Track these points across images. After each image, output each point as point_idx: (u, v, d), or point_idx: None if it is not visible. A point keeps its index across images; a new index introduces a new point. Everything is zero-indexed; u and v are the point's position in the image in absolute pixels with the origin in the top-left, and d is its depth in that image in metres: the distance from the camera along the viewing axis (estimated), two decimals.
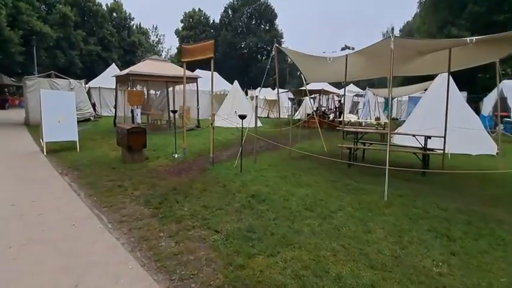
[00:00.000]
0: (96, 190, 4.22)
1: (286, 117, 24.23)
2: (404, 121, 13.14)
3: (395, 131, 11.15)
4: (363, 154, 7.25)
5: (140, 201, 3.76)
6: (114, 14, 41.97)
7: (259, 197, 3.93)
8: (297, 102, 28.82)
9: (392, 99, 22.13)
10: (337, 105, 19.53)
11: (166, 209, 3.51)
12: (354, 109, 20.31)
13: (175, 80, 10.71)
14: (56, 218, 3.29)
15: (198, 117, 11.38)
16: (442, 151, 5.98)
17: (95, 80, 18.24)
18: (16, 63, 23.50)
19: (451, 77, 9.63)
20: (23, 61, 23.84)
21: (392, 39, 4.73)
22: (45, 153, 6.53)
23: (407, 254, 2.72)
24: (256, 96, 6.90)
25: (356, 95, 16.92)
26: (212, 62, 5.29)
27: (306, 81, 8.30)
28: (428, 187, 4.84)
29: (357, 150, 6.71)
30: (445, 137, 5.90)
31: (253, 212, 3.46)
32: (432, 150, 6.02)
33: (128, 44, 42.19)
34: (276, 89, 6.53)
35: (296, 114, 23.18)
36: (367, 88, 14.99)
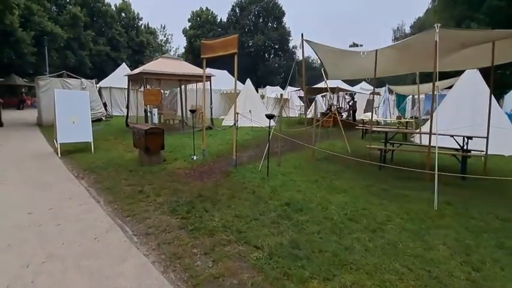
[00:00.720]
0: (115, 196, 3.91)
1: (297, 115, 23.82)
2: (424, 120, 12.57)
3: (418, 130, 10.61)
4: (392, 155, 6.79)
5: (165, 210, 3.43)
6: (123, 14, 42.09)
7: (294, 205, 3.55)
8: (307, 101, 28.27)
9: (406, 96, 21.44)
10: (350, 104, 19.00)
11: (196, 219, 3.16)
12: (369, 107, 19.71)
13: (188, 79, 10.42)
14: (76, 229, 2.98)
15: (211, 116, 11.05)
16: (483, 153, 5.48)
17: (105, 79, 18.14)
18: (28, 63, 23.68)
19: (479, 73, 9.11)
20: (34, 61, 24.02)
21: (437, 30, 4.29)
22: (59, 155, 6.29)
23: (485, 278, 2.30)
24: (281, 94, 6.49)
25: (372, 93, 16.27)
26: (236, 58, 4.93)
27: (327, 78, 7.85)
28: (474, 193, 4.39)
29: (387, 152, 6.26)
30: (487, 138, 5.41)
31: (292, 224, 3.08)
32: (469, 151, 5.53)
33: (136, 43, 42.29)
34: (303, 86, 6.10)
35: (308, 113, 22.74)
36: (386, 85, 14.40)
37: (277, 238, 2.77)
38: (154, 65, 9.79)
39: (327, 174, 5.18)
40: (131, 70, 17.24)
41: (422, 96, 19.47)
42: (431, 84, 11.79)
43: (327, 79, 7.91)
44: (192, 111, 6.30)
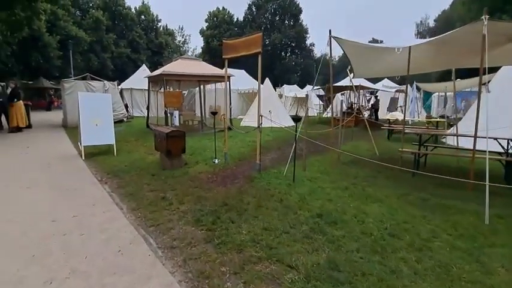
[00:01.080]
0: (138, 203, 3.81)
1: (316, 115, 23.25)
2: (456, 119, 11.71)
3: (449, 131, 9.90)
4: (425, 160, 6.29)
5: (189, 219, 3.27)
6: (143, 17, 43.12)
7: (327, 216, 3.27)
8: (327, 100, 27.54)
9: (431, 94, 20.28)
10: (372, 102, 18.23)
11: (222, 231, 2.96)
12: (392, 106, 18.82)
13: (208, 79, 10.32)
14: (100, 240, 2.88)
15: (230, 117, 10.90)
16: None
17: (126, 81, 18.54)
18: (54, 66, 24.74)
19: None
20: (60, 65, 25.06)
21: (486, 22, 3.83)
22: (83, 158, 6.36)
23: None
24: (307, 94, 6.20)
25: (398, 91, 15.47)
26: (260, 58, 4.69)
27: (353, 76, 7.45)
28: None
29: (421, 156, 5.79)
30: None
31: (327, 239, 2.81)
32: None
33: (155, 45, 43.21)
34: (330, 84, 5.76)
35: (327, 112, 22.12)
36: (414, 82, 13.62)
37: (313, 256, 2.51)
38: (174, 66, 9.77)
39: (357, 180, 4.84)
40: (151, 71, 17.53)
41: (450, 93, 18.32)
42: (468, 80, 10.92)
43: (353, 77, 7.51)
44: (214, 113, 6.13)
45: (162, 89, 9.90)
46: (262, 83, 14.48)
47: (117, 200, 3.98)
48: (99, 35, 32.61)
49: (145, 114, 17.70)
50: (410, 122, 12.18)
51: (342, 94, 21.43)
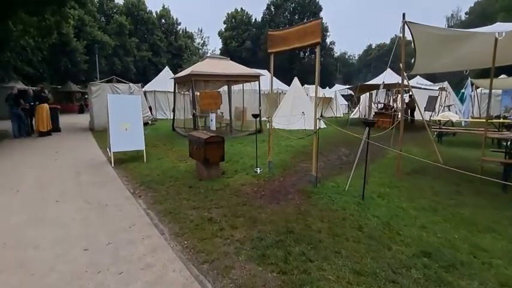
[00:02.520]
0: (182, 225, 3.15)
1: (343, 115, 22.05)
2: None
3: None
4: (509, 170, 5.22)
5: (250, 254, 2.55)
6: (163, 20, 43.68)
7: (438, 256, 2.43)
8: (356, 99, 26.22)
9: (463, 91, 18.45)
10: (406, 101, 16.82)
11: (301, 275, 2.21)
12: (430, 105, 17.31)
13: (237, 79, 9.69)
14: (144, 282, 2.23)
15: (260, 120, 10.20)
16: None
17: (149, 83, 18.42)
18: (81, 71, 25.33)
19: None
20: (86, 69, 25.64)
21: None
22: (112, 165, 5.88)
23: None
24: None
25: (441, 88, 14.07)
26: (318, 50, 3.92)
27: (406, 72, 6.46)
28: None
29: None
30: None
31: None
32: None
33: (175, 48, 43.58)
34: (402, 75, 4.89)
35: (354, 112, 20.87)
36: (469, 79, 12.25)
37: None
38: (202, 66, 9.22)
39: (440, 197, 3.93)
40: (172, 74, 17.30)
41: (494, 91, 16.43)
42: None
43: (409, 73, 6.51)
44: (256, 116, 5.43)
45: (190, 91, 9.39)
46: (286, 83, 13.53)
47: (156, 220, 3.35)
48: (122, 39, 33.26)
49: (169, 117, 17.52)
50: (463, 124, 10.86)
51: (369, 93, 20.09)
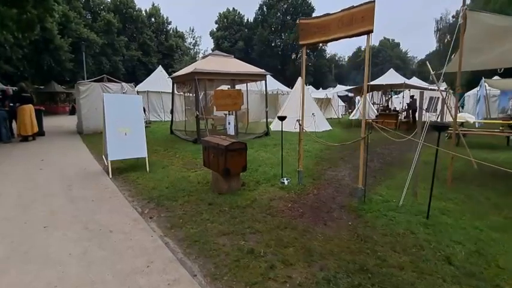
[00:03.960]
0: (215, 261, 2.42)
1: (341, 117, 21.67)
2: None
3: None
4: None
5: None
6: (153, 19, 42.32)
7: None
8: (353, 101, 25.93)
9: (463, 93, 18.47)
10: (408, 102, 16.59)
11: None
12: (431, 107, 17.14)
13: (243, 78, 8.98)
14: None
15: (267, 121, 9.53)
16: None
17: (142, 83, 17.41)
18: (66, 70, 23.88)
19: None
20: (72, 68, 24.19)
21: None
22: (110, 175, 5.04)
23: None
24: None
25: (446, 89, 13.84)
26: (369, 39, 3.27)
27: (437, 71, 5.95)
28: None
29: None
30: None
31: None
32: None
33: (165, 47, 42.30)
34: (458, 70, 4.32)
35: (353, 114, 20.54)
36: (483, 79, 12.00)
37: None
38: (205, 64, 8.45)
39: (506, 211, 3.37)
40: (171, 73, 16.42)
41: (492, 92, 16.39)
42: None
43: (446, 71, 6.00)
44: (281, 119, 4.74)
45: (192, 91, 8.60)
46: (289, 84, 12.90)
47: (179, 252, 2.60)
48: (110, 37, 31.82)
49: (163, 119, 16.56)
50: (477, 125, 10.55)
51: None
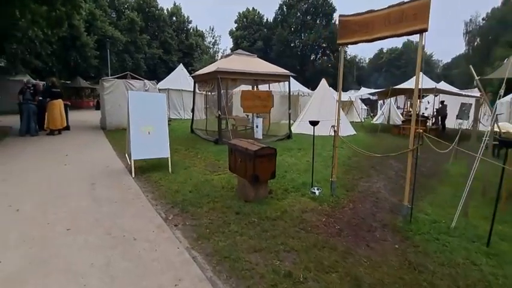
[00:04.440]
0: (249, 283, 2.16)
1: (363, 120, 20.90)
2: None
3: None
4: None
5: None
6: (174, 18, 42.97)
7: None
8: (376, 104, 25.04)
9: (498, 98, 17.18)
10: (437, 108, 15.64)
11: None
12: (462, 113, 16.10)
13: (266, 78, 8.70)
14: None
15: (289, 124, 9.20)
16: None
17: (163, 81, 17.55)
18: (91, 66, 24.62)
19: None
20: (97, 64, 24.91)
21: None
22: (133, 175, 4.93)
23: None
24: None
25: (482, 95, 12.91)
26: (422, 38, 2.90)
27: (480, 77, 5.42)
28: None
29: None
30: None
31: None
32: None
33: (186, 46, 42.82)
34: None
35: (377, 118, 19.74)
36: None
37: None
38: (228, 63, 8.25)
39: None
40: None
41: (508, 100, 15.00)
42: None
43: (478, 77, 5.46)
44: (314, 124, 4.42)
45: (215, 91, 8.43)
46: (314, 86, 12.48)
47: (209, 270, 2.36)
48: (133, 35, 32.54)
49: (183, 117, 16.61)
50: None
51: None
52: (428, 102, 20.47)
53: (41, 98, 9.23)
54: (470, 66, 5.88)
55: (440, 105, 15.47)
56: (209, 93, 9.38)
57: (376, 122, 18.48)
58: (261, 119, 3.55)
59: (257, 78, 8.50)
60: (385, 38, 3.31)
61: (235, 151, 4.10)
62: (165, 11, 41.20)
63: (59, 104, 9.12)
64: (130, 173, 5.03)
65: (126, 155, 5.54)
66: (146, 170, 5.32)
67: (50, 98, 9.10)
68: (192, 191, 4.25)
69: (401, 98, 21.32)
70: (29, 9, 10.86)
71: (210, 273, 2.33)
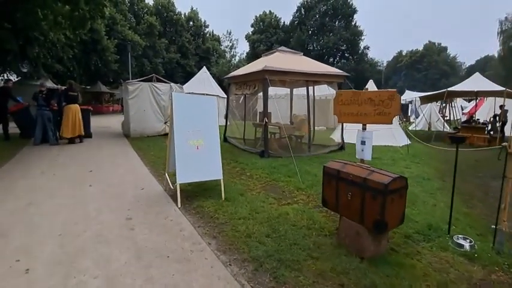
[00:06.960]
0: None
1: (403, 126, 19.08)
2: None
3: None
4: None
5: None
6: (191, 23, 42.64)
7: None
8: (412, 109, 23.26)
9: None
10: (497, 114, 13.79)
11: None
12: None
13: (318, 79, 7.40)
14: None
15: (342, 131, 7.82)
16: None
17: (186, 84, 16.61)
18: (111, 71, 24.18)
19: None
20: (117, 69, 24.47)
21: None
22: (179, 205, 3.69)
23: None
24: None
25: None
26: None
27: None
28: None
29: None
30: None
31: None
32: None
33: (202, 50, 42.33)
34: None
35: (416, 124, 18.01)
36: None
37: None
38: (274, 61, 7.01)
39: None
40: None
41: None
42: None
43: None
44: (459, 140, 3.04)
45: (258, 93, 7.23)
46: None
47: None
48: (152, 40, 32.21)
49: None
50: None
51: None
52: (462, 108, 18.46)
53: (58, 103, 8.29)
54: None
55: (500, 110, 13.62)
56: (248, 96, 8.17)
57: (416, 129, 16.80)
58: (372, 132, 2.47)
59: (309, 79, 7.21)
60: None
61: (340, 180, 2.77)
62: (183, 16, 40.93)
63: (75, 108, 8.12)
64: (174, 200, 3.80)
65: (166, 175, 4.33)
66: (192, 195, 4.09)
67: (65, 102, 8.14)
68: (269, 235, 2.95)
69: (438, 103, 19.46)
70: (51, 10, 10.19)
71: None
